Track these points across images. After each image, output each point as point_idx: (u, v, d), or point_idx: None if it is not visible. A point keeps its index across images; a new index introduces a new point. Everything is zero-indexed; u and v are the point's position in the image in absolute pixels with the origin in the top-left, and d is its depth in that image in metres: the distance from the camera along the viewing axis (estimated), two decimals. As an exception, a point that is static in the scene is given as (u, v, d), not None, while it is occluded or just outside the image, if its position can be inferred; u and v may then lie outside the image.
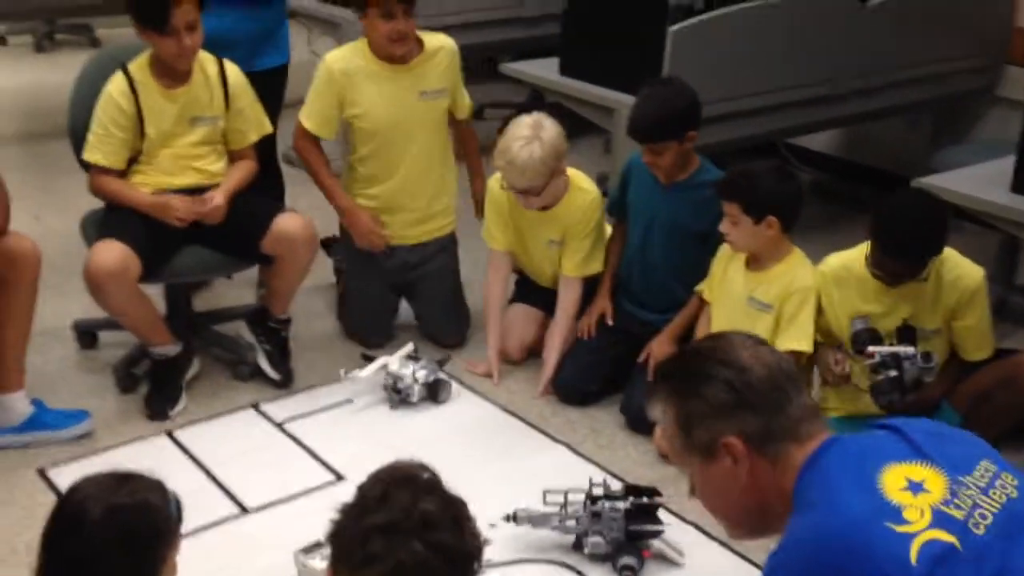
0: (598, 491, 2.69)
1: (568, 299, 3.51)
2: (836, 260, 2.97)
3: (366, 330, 3.73)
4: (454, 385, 3.44)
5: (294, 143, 3.63)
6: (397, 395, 3.31)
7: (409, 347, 3.42)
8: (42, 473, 2.95)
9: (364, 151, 3.59)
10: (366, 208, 3.62)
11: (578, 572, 2.67)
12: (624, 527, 2.64)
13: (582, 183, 3.49)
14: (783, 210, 2.97)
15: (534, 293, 3.70)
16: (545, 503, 2.69)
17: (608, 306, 3.49)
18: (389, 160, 3.58)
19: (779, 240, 3.02)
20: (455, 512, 1.57)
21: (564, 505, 2.68)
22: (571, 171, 3.47)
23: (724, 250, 3.17)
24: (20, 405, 3.04)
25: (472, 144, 3.84)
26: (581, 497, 2.68)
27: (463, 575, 1.56)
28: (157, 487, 1.78)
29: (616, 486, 2.76)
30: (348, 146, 3.70)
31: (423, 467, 1.65)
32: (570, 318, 3.51)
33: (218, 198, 3.21)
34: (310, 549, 2.43)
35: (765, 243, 3.01)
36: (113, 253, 3.05)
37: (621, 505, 2.65)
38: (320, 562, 2.36)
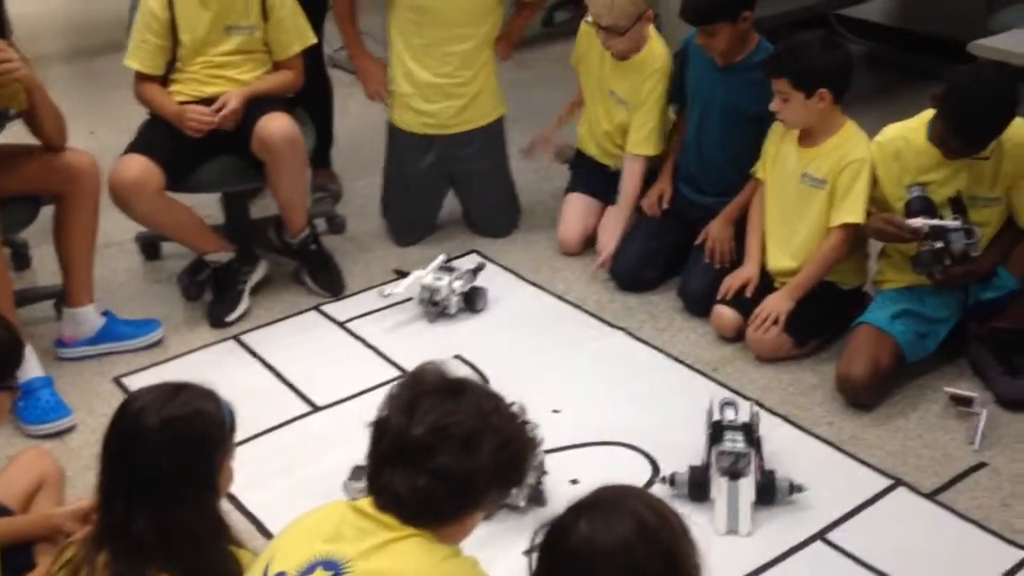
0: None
1: (630, 180, 3.49)
2: (894, 131, 2.92)
3: (403, 229, 3.75)
4: (511, 277, 3.48)
5: None
6: (434, 308, 3.29)
7: (441, 258, 3.38)
8: (118, 382, 3.06)
9: (407, 26, 3.52)
10: (410, 102, 3.61)
11: (643, 452, 2.72)
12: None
13: (660, 46, 3.45)
14: (834, 80, 2.92)
15: (590, 179, 3.68)
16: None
17: (668, 188, 3.48)
18: (432, 40, 3.51)
19: (831, 112, 2.97)
20: (470, 426, 1.60)
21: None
22: (652, 30, 3.44)
23: (776, 130, 3.13)
24: (92, 317, 3.13)
25: (522, 20, 3.76)
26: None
27: (463, 496, 1.60)
28: (210, 396, 1.85)
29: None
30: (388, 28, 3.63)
31: (443, 376, 1.68)
32: (630, 201, 3.50)
33: (232, 101, 3.19)
34: (356, 474, 2.46)
35: (818, 116, 2.96)
36: (131, 167, 3.10)
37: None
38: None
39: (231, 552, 1.82)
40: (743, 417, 2.58)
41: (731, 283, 3.14)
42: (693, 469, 2.51)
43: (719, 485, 2.45)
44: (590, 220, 3.64)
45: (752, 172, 3.22)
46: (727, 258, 3.27)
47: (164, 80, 3.31)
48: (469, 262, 3.46)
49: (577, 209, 3.66)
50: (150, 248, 3.69)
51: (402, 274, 3.44)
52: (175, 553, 1.75)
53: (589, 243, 3.62)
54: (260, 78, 3.34)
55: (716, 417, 2.59)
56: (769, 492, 2.46)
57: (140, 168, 3.11)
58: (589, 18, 3.41)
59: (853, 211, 2.94)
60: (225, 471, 1.87)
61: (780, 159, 3.11)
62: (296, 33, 3.37)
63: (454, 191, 3.79)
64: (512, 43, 3.71)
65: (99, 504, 1.82)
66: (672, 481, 2.51)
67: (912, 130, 2.86)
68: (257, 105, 3.23)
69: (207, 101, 3.24)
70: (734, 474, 2.44)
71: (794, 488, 2.47)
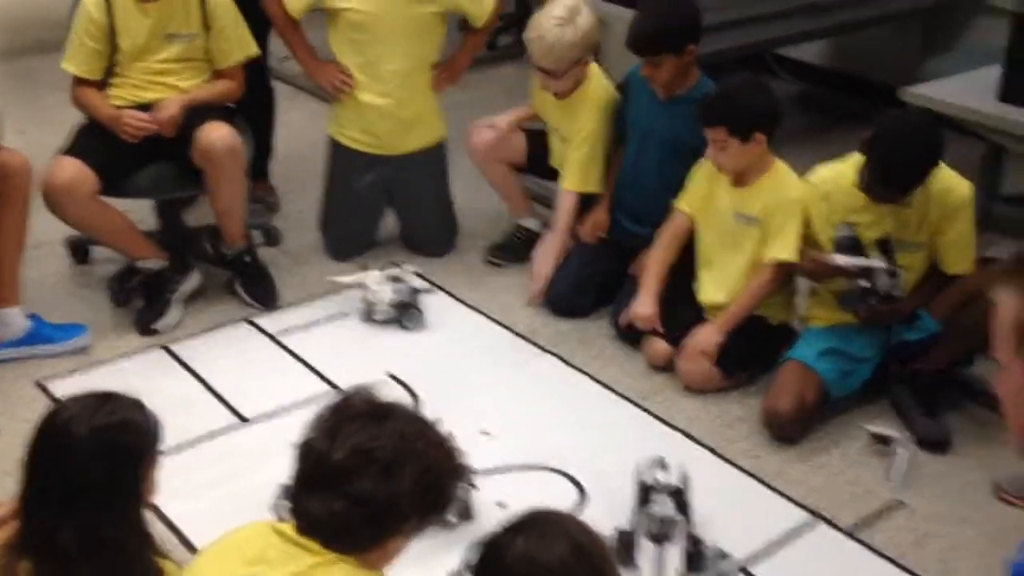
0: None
1: (561, 214, 3.54)
2: (825, 172, 3.00)
3: (340, 244, 3.73)
4: (446, 298, 3.49)
5: (266, 4, 3.51)
6: (364, 307, 3.33)
7: (399, 269, 3.39)
8: (41, 386, 3.00)
9: (344, 50, 3.52)
10: (353, 119, 3.61)
11: (570, 478, 2.74)
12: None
13: (600, 82, 3.50)
14: (767, 123, 2.99)
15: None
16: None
17: (605, 216, 3.51)
18: (370, 62, 3.51)
19: (764, 154, 3.04)
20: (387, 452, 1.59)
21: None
22: (594, 67, 3.49)
23: (705, 165, 3.18)
24: (18, 319, 3.08)
25: (472, 43, 3.75)
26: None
27: (381, 521, 1.59)
28: (138, 406, 1.84)
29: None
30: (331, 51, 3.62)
31: (369, 400, 1.67)
32: (563, 231, 3.54)
33: (170, 108, 3.17)
34: (285, 493, 2.42)
35: (753, 159, 3.03)
36: (66, 169, 3.08)
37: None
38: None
39: (155, 563, 1.80)
40: (673, 479, 2.45)
41: (626, 319, 3.17)
42: (620, 533, 2.43)
43: (646, 550, 2.40)
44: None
45: (676, 205, 3.25)
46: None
47: (102, 84, 3.27)
48: (419, 282, 3.44)
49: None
50: (80, 251, 3.64)
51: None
52: (100, 563, 1.74)
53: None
54: (200, 86, 3.31)
55: (645, 478, 2.46)
56: (697, 560, 2.40)
57: (73, 171, 3.07)
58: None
59: (786, 248, 3.00)
60: (150, 482, 1.86)
61: (713, 199, 3.16)
62: (237, 43, 3.36)
63: (393, 208, 3.79)
64: (457, 72, 3.71)
65: (21, 512, 1.79)
66: None
67: (842, 172, 2.93)
68: (197, 113, 3.21)
69: (145, 107, 3.21)
70: (661, 539, 2.38)
71: (723, 556, 2.41)
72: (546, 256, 3.54)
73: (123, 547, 1.77)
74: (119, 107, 3.20)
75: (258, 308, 3.41)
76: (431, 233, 3.79)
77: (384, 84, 3.54)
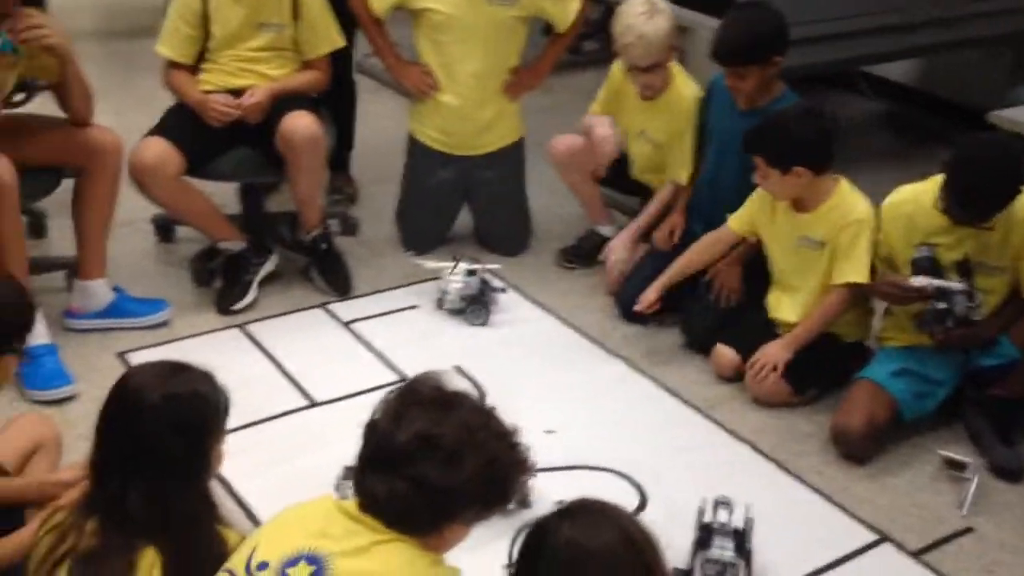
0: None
1: (658, 202, 3.54)
2: (905, 193, 2.95)
3: (415, 238, 3.77)
4: (518, 296, 3.51)
5: (352, 3, 3.55)
6: (440, 297, 3.38)
7: (479, 265, 3.41)
8: (122, 357, 3.07)
9: (426, 50, 3.57)
10: (431, 118, 3.65)
11: (632, 481, 2.73)
12: None
13: (687, 82, 3.51)
14: (809, 157, 2.94)
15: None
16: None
17: (681, 222, 3.50)
18: (449, 63, 3.55)
19: (816, 182, 2.99)
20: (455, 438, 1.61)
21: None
22: (676, 66, 3.50)
23: (764, 191, 3.15)
24: (102, 291, 3.16)
25: (554, 50, 3.75)
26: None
27: (441, 507, 1.61)
28: (208, 378, 1.87)
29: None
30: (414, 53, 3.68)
31: (437, 387, 1.69)
32: (647, 220, 3.54)
33: (259, 94, 3.24)
34: (348, 475, 2.39)
35: (799, 190, 3.00)
36: (153, 149, 3.15)
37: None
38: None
39: (219, 531, 1.83)
40: (736, 521, 2.37)
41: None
42: (677, 572, 2.36)
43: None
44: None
45: (728, 218, 3.24)
46: (733, 298, 3.29)
47: (194, 69, 3.35)
48: (496, 280, 3.46)
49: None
50: (165, 230, 3.72)
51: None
52: (165, 529, 1.77)
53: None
54: (288, 75, 3.38)
55: (707, 518, 2.38)
56: None
57: (160, 151, 3.15)
58: (624, 65, 3.46)
59: (856, 271, 2.97)
60: (216, 453, 1.89)
61: (777, 222, 3.13)
62: (325, 35, 3.42)
63: (468, 206, 3.82)
64: (536, 78, 3.72)
65: (91, 474, 1.84)
66: None
67: (923, 192, 2.88)
68: (283, 102, 3.27)
69: (235, 92, 3.28)
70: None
71: None
72: (619, 246, 3.54)
73: (188, 514, 1.80)
74: (208, 92, 3.28)
75: (331, 294, 3.45)
76: (505, 232, 3.81)
77: (461, 85, 3.57)
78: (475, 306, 3.36)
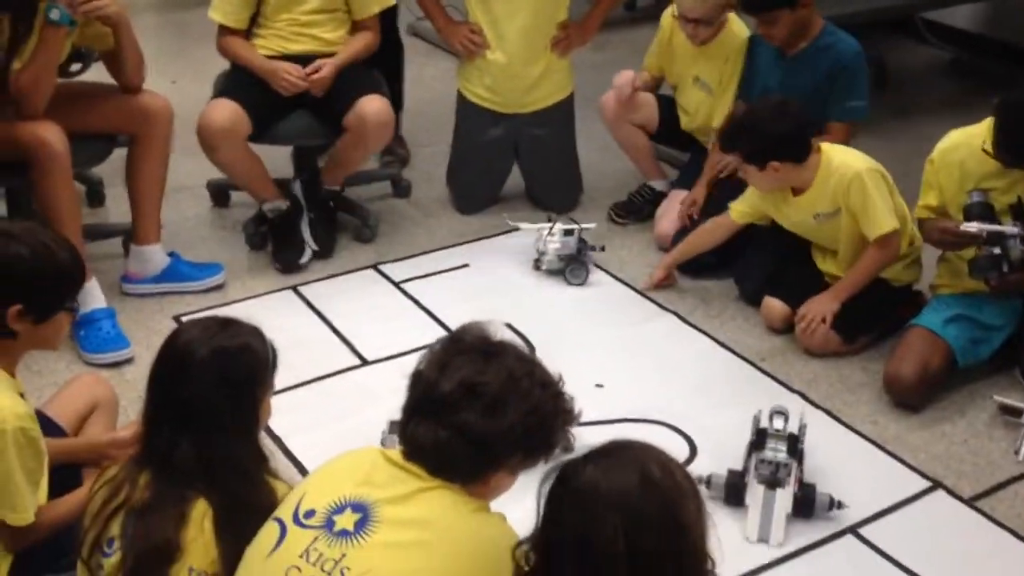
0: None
1: (712, 163, 3.50)
2: (957, 137, 2.89)
3: (466, 198, 3.78)
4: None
5: None
6: (537, 258, 3.39)
7: (576, 225, 3.41)
8: (178, 320, 3.14)
9: (474, 8, 3.57)
10: (478, 76, 3.64)
11: (682, 432, 2.73)
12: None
13: (739, 25, 3.48)
14: (784, 152, 2.92)
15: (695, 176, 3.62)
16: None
17: (701, 196, 3.46)
18: (496, 21, 3.54)
19: (799, 169, 2.96)
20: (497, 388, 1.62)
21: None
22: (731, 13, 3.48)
23: None
24: (158, 256, 3.22)
25: (604, 5, 3.72)
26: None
27: (484, 455, 1.63)
28: (256, 332, 1.90)
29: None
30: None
31: (484, 337, 1.69)
32: (706, 183, 3.51)
33: (325, 70, 3.29)
34: (393, 428, 2.48)
35: (780, 181, 2.98)
36: (225, 111, 3.20)
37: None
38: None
39: (268, 482, 1.86)
40: (791, 428, 2.48)
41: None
42: (731, 473, 2.46)
43: (755, 493, 2.40)
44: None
45: (728, 207, 3.22)
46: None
47: (247, 35, 3.38)
48: (593, 237, 3.45)
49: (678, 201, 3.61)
50: (220, 195, 3.78)
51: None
52: (215, 478, 1.80)
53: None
54: (343, 39, 3.41)
55: (763, 425, 2.50)
56: (807, 506, 2.41)
57: (231, 113, 3.21)
58: (674, 11, 3.43)
59: (883, 221, 2.92)
60: (266, 406, 1.92)
61: (785, 210, 3.10)
62: None
63: (518, 164, 3.81)
64: (585, 35, 3.69)
65: (143, 428, 1.88)
66: (708, 483, 2.46)
67: (975, 136, 2.82)
68: (351, 78, 3.33)
69: (291, 57, 3.33)
70: (772, 483, 2.39)
71: (834, 504, 2.41)
72: (670, 208, 3.54)
73: (237, 465, 1.83)
74: (268, 58, 3.32)
75: (314, 252, 3.43)
76: (555, 189, 3.80)
77: (508, 43, 3.56)
78: (574, 265, 3.37)
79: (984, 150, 2.75)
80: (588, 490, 1.43)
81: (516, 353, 1.70)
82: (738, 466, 2.49)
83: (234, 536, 1.75)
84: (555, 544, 1.46)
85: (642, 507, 1.41)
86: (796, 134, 2.95)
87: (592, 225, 3.48)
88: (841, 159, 2.98)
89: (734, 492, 2.45)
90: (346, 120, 3.31)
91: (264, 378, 1.90)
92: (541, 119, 3.70)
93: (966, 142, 2.85)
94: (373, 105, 3.30)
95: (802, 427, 2.49)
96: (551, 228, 3.38)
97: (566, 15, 3.62)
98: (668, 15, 3.55)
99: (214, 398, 1.81)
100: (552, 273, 3.38)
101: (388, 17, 3.62)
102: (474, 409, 1.61)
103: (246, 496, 1.83)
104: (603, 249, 3.43)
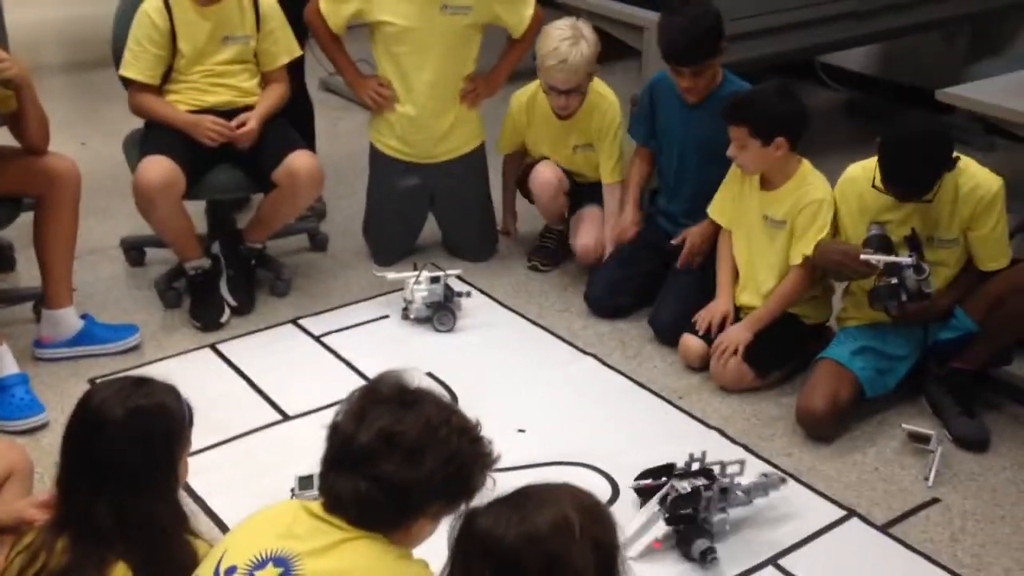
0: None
1: (612, 204, 3.63)
2: (855, 169, 3.01)
3: (382, 249, 3.81)
4: (487, 300, 3.55)
5: (308, 17, 3.59)
6: (404, 307, 3.42)
7: (441, 272, 3.45)
8: (93, 384, 3.09)
9: (382, 61, 3.62)
10: (389, 128, 3.69)
11: (603, 473, 2.76)
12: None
13: (599, 87, 3.60)
14: (790, 129, 3.01)
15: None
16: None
17: (638, 218, 3.56)
18: (405, 74, 3.60)
19: (788, 158, 3.06)
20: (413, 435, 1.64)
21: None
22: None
23: (734, 173, 3.22)
24: (71, 319, 3.18)
25: (512, 57, 3.79)
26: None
27: (405, 503, 1.64)
28: (171, 390, 1.90)
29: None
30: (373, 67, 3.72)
31: (399, 386, 1.72)
32: (612, 221, 3.63)
33: (251, 123, 3.31)
34: (302, 484, 2.49)
35: (774, 163, 3.05)
36: (161, 168, 3.18)
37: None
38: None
39: (188, 542, 1.86)
40: (732, 472, 2.53)
41: (706, 317, 3.19)
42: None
43: (649, 507, 2.48)
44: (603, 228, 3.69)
45: (710, 214, 3.31)
46: (697, 260, 3.37)
47: (159, 90, 3.37)
48: (458, 284, 3.51)
49: (593, 218, 3.70)
50: (134, 253, 3.75)
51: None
52: (134, 540, 1.79)
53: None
54: (257, 88, 3.43)
55: (709, 464, 2.54)
56: (685, 544, 2.45)
57: (168, 169, 3.19)
58: (543, 86, 3.56)
59: (808, 246, 3.02)
60: (183, 464, 1.92)
61: (743, 202, 3.19)
62: (284, 45, 3.46)
63: (433, 214, 3.86)
64: (492, 86, 3.76)
65: (59, 492, 1.86)
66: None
67: (871, 169, 2.93)
68: (274, 132, 3.36)
69: (209, 110, 3.33)
70: (667, 506, 2.45)
71: (707, 556, 2.41)
72: (583, 221, 3.65)
73: (157, 525, 1.82)
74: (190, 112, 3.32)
75: (233, 308, 3.43)
76: (472, 238, 3.85)
77: (417, 95, 3.61)
78: (441, 312, 3.39)
79: (874, 185, 2.86)
80: (480, 537, 1.47)
81: (433, 400, 1.72)
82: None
83: None
84: None
85: (521, 558, 1.45)
86: (801, 114, 3.05)
87: (457, 272, 3.54)
88: (814, 178, 3.08)
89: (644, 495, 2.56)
90: (276, 176, 3.31)
91: (181, 436, 1.90)
92: (454, 169, 3.74)
93: (863, 175, 2.96)
94: (303, 161, 3.32)
95: (738, 481, 2.53)
96: (417, 276, 3.41)
97: (474, 68, 3.69)
98: (519, 99, 3.69)
99: (131, 458, 1.81)
100: (420, 321, 3.40)
101: (296, 73, 3.65)
102: (393, 459, 1.62)
103: (166, 556, 1.82)
104: (468, 295, 3.47)
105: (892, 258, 2.83)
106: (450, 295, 3.41)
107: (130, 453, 1.80)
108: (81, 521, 1.80)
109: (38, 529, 1.87)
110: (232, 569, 1.64)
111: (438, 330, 3.39)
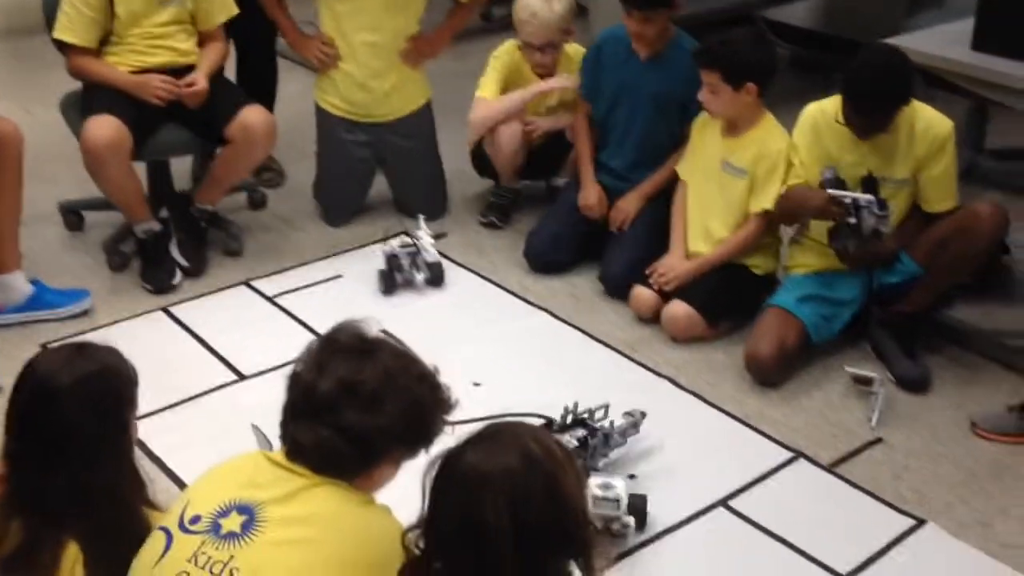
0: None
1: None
2: (814, 108, 3.05)
3: (332, 208, 3.82)
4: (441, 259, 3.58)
5: None
6: (394, 278, 3.38)
7: (402, 239, 3.45)
8: (45, 348, 3.07)
9: (325, 20, 3.62)
10: (332, 87, 3.69)
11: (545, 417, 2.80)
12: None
13: (572, 43, 3.67)
14: (761, 76, 3.05)
15: None
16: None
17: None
18: (345, 34, 3.60)
19: (755, 106, 3.10)
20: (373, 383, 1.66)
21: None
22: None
23: (696, 122, 3.26)
24: (20, 284, 3.16)
25: (456, 20, 3.81)
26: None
27: (366, 450, 1.67)
28: (114, 352, 1.86)
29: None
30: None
31: (360, 335, 1.73)
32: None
33: (201, 82, 3.29)
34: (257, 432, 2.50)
35: (742, 109, 3.09)
36: (109, 126, 3.15)
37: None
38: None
39: (144, 513, 1.83)
40: (600, 418, 2.62)
41: (661, 271, 3.21)
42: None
43: None
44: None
45: (677, 169, 3.34)
46: (626, 227, 3.42)
47: (96, 53, 3.33)
48: (423, 238, 3.49)
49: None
50: (72, 217, 3.71)
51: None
52: (90, 510, 1.76)
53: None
54: (195, 49, 3.40)
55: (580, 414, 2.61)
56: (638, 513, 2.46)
57: (115, 128, 3.16)
58: (518, 42, 3.62)
59: (771, 200, 3.07)
60: (133, 426, 1.88)
61: (703, 147, 3.23)
62: (220, 4, 3.45)
63: (383, 173, 3.86)
64: (434, 47, 3.77)
65: (7, 470, 1.81)
66: None
67: (829, 108, 2.98)
68: (221, 90, 3.34)
69: (150, 71, 3.30)
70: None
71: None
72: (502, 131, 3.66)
73: (114, 495, 1.79)
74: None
75: (186, 270, 3.42)
76: (421, 196, 3.86)
77: (359, 53, 3.61)
78: (438, 269, 3.41)
79: (837, 120, 2.90)
80: (471, 473, 1.48)
81: (392, 349, 1.75)
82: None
83: (108, 570, 1.72)
84: (443, 528, 1.51)
85: (525, 483, 1.47)
86: (772, 61, 3.10)
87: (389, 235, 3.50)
88: (777, 130, 3.13)
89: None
90: (229, 131, 3.30)
91: (132, 397, 1.87)
92: (401, 128, 3.75)
93: (821, 116, 3.01)
94: (257, 115, 3.33)
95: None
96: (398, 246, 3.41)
97: (416, 28, 3.69)
98: (508, 48, 3.69)
99: (86, 427, 1.77)
100: (407, 285, 3.42)
101: (266, 38, 3.69)
102: (353, 407, 1.65)
103: (123, 526, 1.79)
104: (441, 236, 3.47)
105: (857, 195, 2.87)
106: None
107: (84, 422, 1.76)
108: (34, 499, 1.75)
109: None
110: (196, 518, 1.65)
111: (436, 286, 3.40)
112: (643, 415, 2.68)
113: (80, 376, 1.78)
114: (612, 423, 2.62)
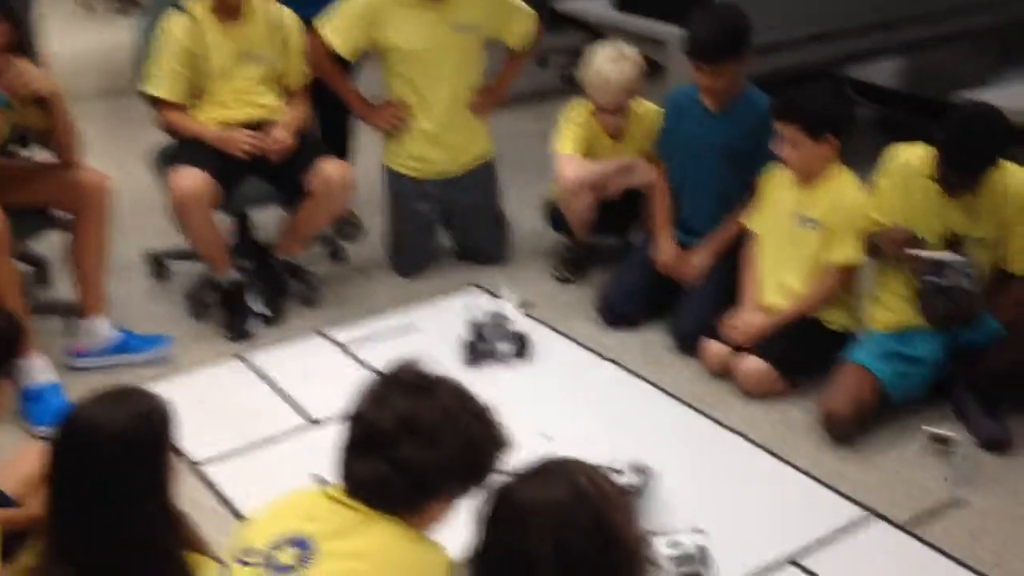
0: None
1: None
2: (907, 153, 2.99)
3: (404, 263, 3.88)
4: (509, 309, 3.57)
5: (312, 55, 3.60)
6: (480, 349, 3.29)
7: (483, 307, 3.40)
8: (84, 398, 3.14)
9: (396, 83, 3.70)
10: (405, 147, 3.76)
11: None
12: None
13: (641, 102, 3.68)
14: (840, 128, 3.03)
15: None
16: None
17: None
18: (420, 93, 3.68)
19: (832, 158, 3.08)
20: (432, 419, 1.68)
21: None
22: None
23: (767, 175, 3.25)
24: (103, 329, 3.24)
25: (512, 67, 3.89)
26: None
27: (422, 486, 1.68)
28: (151, 395, 1.88)
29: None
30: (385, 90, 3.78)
31: (419, 373, 1.76)
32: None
33: (285, 136, 3.39)
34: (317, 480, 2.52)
35: (821, 162, 3.07)
36: (195, 177, 3.25)
37: None
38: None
39: (183, 559, 1.86)
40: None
41: (732, 324, 3.18)
42: None
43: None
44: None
45: (741, 222, 3.33)
46: (698, 283, 3.41)
47: (184, 107, 3.45)
48: (509, 307, 3.42)
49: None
50: (157, 266, 3.82)
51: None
52: (134, 563, 1.78)
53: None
54: (281, 106, 3.50)
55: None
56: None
57: (202, 180, 3.26)
58: (591, 106, 3.62)
59: (853, 252, 3.04)
60: (174, 468, 1.89)
61: (774, 199, 3.21)
62: (304, 68, 3.56)
63: (446, 227, 3.94)
64: (498, 96, 3.86)
65: (50, 523, 1.83)
66: None
67: (919, 156, 2.92)
68: (300, 145, 3.43)
69: (233, 126, 3.40)
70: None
71: None
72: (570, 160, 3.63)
73: (155, 541, 1.82)
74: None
75: (265, 316, 3.49)
76: (485, 243, 3.94)
77: (436, 111, 3.70)
78: (524, 340, 3.34)
79: (930, 177, 2.84)
80: (519, 503, 1.49)
81: (450, 386, 1.76)
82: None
83: None
84: (490, 558, 1.51)
85: (572, 514, 1.46)
86: (851, 116, 3.09)
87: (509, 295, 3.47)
88: (853, 184, 3.10)
89: None
90: (309, 183, 3.38)
91: (171, 440, 1.89)
92: (467, 181, 3.84)
93: (910, 162, 2.95)
94: (335, 168, 3.42)
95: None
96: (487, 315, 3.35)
97: (480, 79, 3.78)
98: (585, 108, 3.66)
99: (129, 474, 1.78)
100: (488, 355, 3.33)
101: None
102: (411, 443, 1.66)
103: (162, 571, 1.83)
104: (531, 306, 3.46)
105: (942, 255, 2.82)
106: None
107: (129, 470, 1.77)
108: (82, 549, 1.77)
109: (35, 553, 1.84)
110: (252, 551, 1.68)
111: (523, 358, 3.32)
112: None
113: (124, 421, 1.80)
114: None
